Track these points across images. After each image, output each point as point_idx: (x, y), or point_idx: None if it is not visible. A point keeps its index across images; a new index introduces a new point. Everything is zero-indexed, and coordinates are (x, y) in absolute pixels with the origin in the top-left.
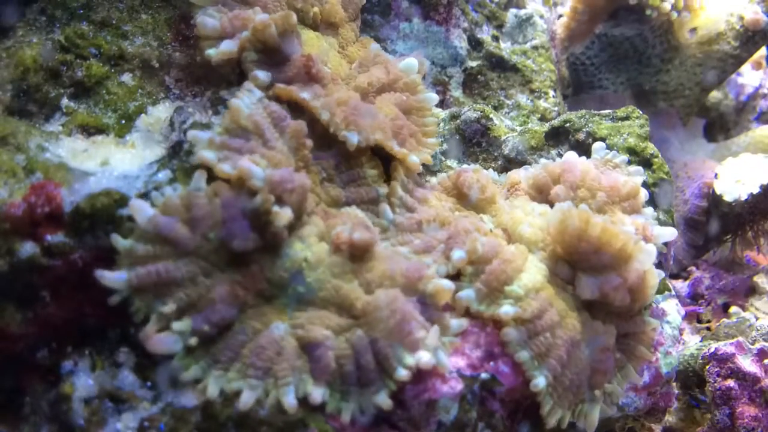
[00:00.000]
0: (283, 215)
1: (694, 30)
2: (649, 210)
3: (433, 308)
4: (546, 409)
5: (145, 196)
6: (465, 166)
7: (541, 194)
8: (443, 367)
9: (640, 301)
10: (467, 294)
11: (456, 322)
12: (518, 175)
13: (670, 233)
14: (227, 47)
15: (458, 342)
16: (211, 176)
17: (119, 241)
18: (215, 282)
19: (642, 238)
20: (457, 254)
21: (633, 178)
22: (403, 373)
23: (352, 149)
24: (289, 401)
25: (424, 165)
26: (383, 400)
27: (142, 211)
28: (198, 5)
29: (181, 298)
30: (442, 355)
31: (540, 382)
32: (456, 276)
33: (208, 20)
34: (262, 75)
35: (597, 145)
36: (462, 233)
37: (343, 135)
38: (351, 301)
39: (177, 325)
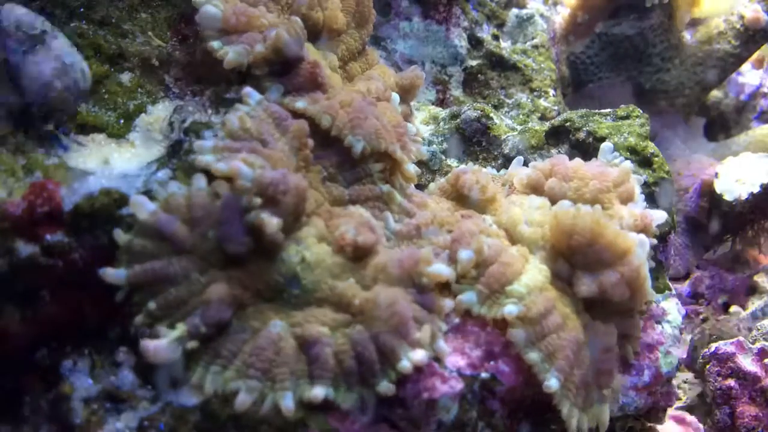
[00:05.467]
0: (270, 222)
1: (695, 27)
2: (641, 195)
3: (431, 295)
4: (565, 411)
5: (144, 195)
6: (463, 166)
7: (536, 192)
8: (443, 355)
9: (639, 295)
10: (468, 297)
11: (450, 302)
12: (514, 175)
13: (660, 215)
14: (237, 58)
15: (458, 322)
16: (212, 176)
17: (120, 236)
18: (211, 280)
19: (642, 226)
20: (466, 254)
21: (623, 164)
22: (407, 365)
23: (356, 157)
24: (287, 405)
25: (423, 164)
26: (387, 387)
27: (143, 206)
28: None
29: (171, 293)
30: (440, 343)
31: (553, 383)
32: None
33: (210, 8)
34: (274, 94)
35: (605, 146)
36: (467, 235)
37: (349, 141)
38: (348, 299)
39: (173, 334)
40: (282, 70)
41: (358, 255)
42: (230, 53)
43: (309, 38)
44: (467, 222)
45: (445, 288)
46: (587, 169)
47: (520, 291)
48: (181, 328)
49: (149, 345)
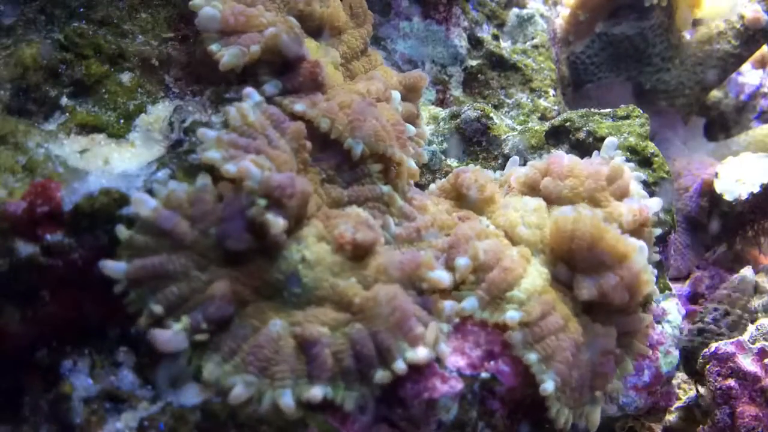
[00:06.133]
0: (276, 223)
1: (695, 27)
2: (636, 187)
3: (431, 298)
4: (553, 412)
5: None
6: (464, 167)
7: (533, 191)
8: (444, 357)
9: (637, 297)
10: (470, 304)
11: (449, 304)
12: (511, 175)
13: (656, 203)
14: (232, 60)
15: (457, 322)
16: (214, 177)
17: (122, 232)
18: (212, 277)
19: (642, 220)
20: (463, 261)
21: (613, 161)
22: (402, 366)
23: (356, 159)
24: (286, 402)
25: (424, 165)
26: (382, 374)
27: (144, 202)
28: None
29: (172, 292)
30: (442, 345)
31: (549, 386)
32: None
33: (209, 10)
34: (270, 88)
35: (609, 141)
36: (463, 241)
37: (348, 143)
38: (349, 298)
39: (177, 326)
40: (282, 69)
41: (357, 254)
42: (225, 56)
43: (310, 34)
44: (463, 226)
45: (443, 290)
46: (582, 167)
47: (520, 297)
48: (184, 321)
49: (158, 333)
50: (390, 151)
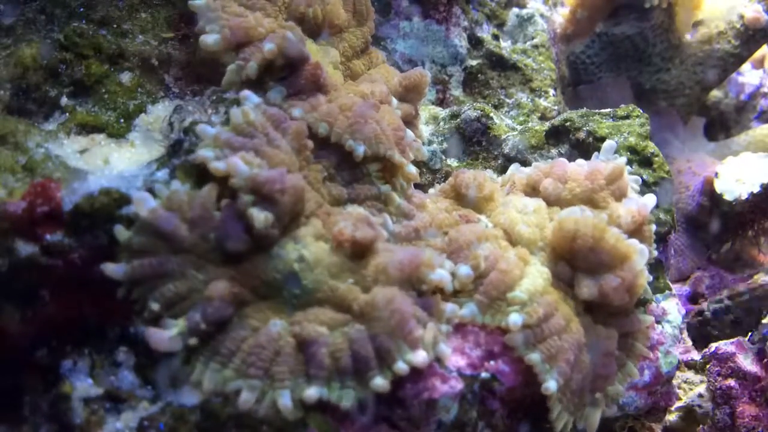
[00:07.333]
0: (258, 218)
1: (695, 27)
2: (634, 179)
3: (431, 299)
4: (555, 413)
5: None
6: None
7: (535, 192)
8: (445, 357)
9: (635, 298)
10: (470, 310)
11: (450, 307)
12: (515, 174)
13: (652, 200)
14: (230, 78)
15: (456, 320)
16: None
17: (121, 233)
18: (210, 278)
19: (641, 221)
20: (464, 270)
21: (616, 160)
22: (403, 366)
23: (358, 160)
24: (284, 403)
25: (424, 164)
26: (380, 382)
27: (144, 203)
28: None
29: (170, 289)
30: (443, 346)
31: (552, 385)
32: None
33: (207, 38)
34: (275, 95)
35: (607, 144)
36: (464, 247)
37: (350, 145)
38: (348, 302)
39: (174, 329)
40: (285, 72)
41: (356, 252)
42: (227, 72)
43: (310, 34)
44: (463, 229)
45: (441, 290)
46: (582, 170)
47: (522, 297)
48: (180, 324)
49: (153, 333)
50: (390, 153)
